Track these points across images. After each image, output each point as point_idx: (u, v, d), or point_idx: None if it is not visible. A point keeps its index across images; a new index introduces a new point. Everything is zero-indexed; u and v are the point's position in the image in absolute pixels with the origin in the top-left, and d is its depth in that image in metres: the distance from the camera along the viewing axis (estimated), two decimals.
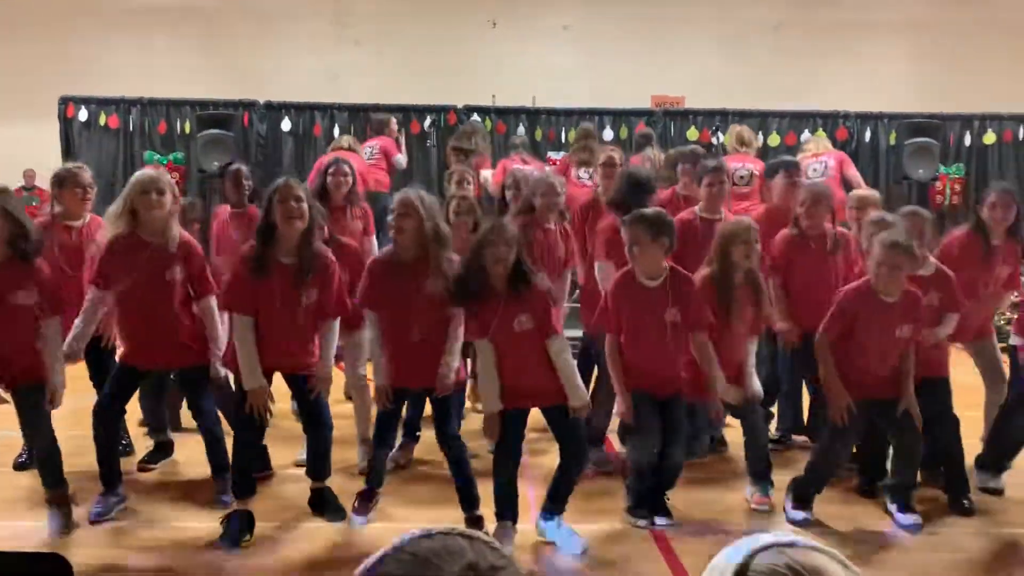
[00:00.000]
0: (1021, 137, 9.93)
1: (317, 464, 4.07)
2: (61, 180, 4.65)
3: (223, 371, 4.11)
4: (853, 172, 7.31)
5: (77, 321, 3.97)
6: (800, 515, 4.09)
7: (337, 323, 4.02)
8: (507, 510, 3.74)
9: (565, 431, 3.76)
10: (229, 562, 3.63)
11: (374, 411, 4.14)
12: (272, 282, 3.78)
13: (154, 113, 9.83)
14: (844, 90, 12.06)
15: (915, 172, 9.20)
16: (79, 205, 4.59)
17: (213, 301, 4.07)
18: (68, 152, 9.70)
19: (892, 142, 9.73)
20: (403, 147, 8.39)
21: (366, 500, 4.02)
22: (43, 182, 12.91)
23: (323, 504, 4.04)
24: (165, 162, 9.68)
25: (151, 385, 4.47)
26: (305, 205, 3.76)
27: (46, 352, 3.82)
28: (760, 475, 4.26)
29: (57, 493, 3.93)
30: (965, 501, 4.21)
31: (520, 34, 13.23)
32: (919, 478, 4.27)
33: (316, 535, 3.90)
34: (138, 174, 4.05)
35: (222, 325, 4.11)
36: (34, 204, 13.13)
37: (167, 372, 4.45)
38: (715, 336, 4.09)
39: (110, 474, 4.01)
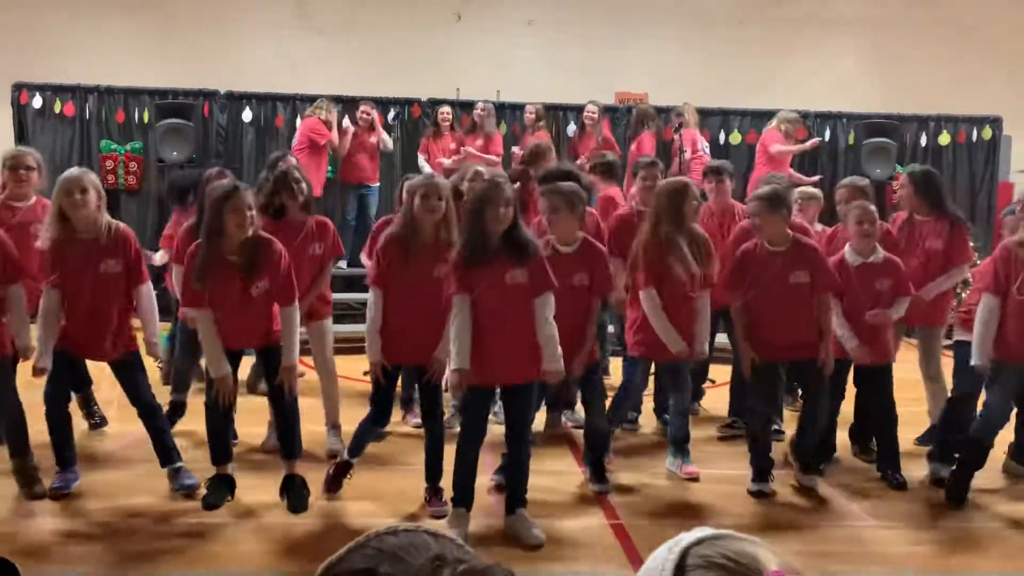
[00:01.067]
0: (974, 138, 10.15)
1: (285, 442, 4.19)
2: (3, 162, 4.94)
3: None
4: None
5: (38, 331, 4.10)
6: (758, 485, 4.42)
7: (296, 309, 4.11)
8: (464, 496, 3.82)
9: (520, 412, 3.86)
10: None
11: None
12: (222, 279, 3.97)
13: (112, 101, 9.63)
14: (805, 88, 12.22)
15: (873, 172, 9.36)
16: (19, 186, 4.81)
17: (147, 288, 4.30)
18: (21, 139, 9.46)
19: (851, 142, 9.89)
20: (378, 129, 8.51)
21: (340, 474, 4.18)
22: None
23: (290, 491, 4.12)
24: (123, 151, 9.49)
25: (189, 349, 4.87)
26: (255, 212, 3.97)
27: (10, 319, 4.10)
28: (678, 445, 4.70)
29: (21, 463, 4.15)
30: (897, 476, 4.61)
31: (484, 28, 13.19)
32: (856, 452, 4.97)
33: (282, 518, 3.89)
34: (60, 177, 4.18)
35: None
36: None
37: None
38: (664, 292, 4.36)
39: (66, 454, 4.24)
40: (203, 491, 4.12)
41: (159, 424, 4.36)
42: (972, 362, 4.33)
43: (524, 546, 3.73)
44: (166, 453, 4.29)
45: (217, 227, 3.90)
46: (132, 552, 3.61)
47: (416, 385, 4.58)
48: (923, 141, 10.12)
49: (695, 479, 4.60)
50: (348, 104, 9.26)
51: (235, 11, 12.89)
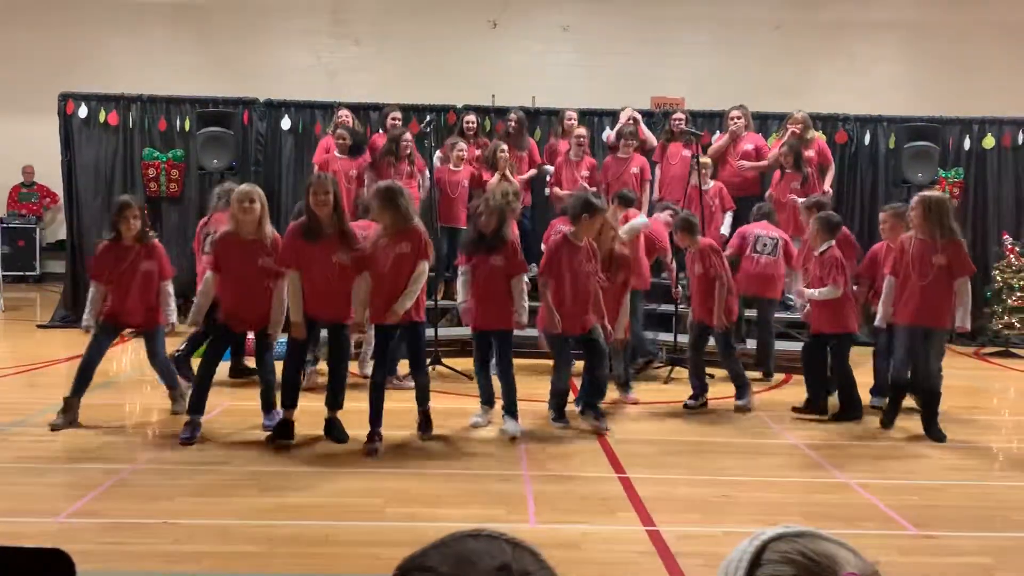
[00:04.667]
0: (1020, 141, 9.94)
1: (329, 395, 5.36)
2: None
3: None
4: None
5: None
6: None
7: (170, 284, 5.73)
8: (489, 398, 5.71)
9: (503, 350, 5.51)
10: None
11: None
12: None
13: (154, 110, 9.80)
14: (843, 92, 12.09)
15: (914, 176, 9.22)
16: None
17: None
18: (68, 149, 9.68)
19: (891, 146, 9.74)
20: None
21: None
22: (42, 178, 12.94)
23: (332, 430, 5.29)
24: (165, 159, 9.67)
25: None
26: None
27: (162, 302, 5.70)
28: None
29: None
30: (856, 417, 6.04)
31: (520, 34, 13.24)
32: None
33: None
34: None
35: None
36: (33, 201, 13.17)
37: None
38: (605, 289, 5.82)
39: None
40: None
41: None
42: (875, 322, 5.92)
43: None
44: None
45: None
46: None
47: (404, 346, 5.52)
48: (967, 144, 9.92)
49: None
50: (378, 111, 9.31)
51: (273, 21, 13.09)
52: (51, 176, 11.44)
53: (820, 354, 6.23)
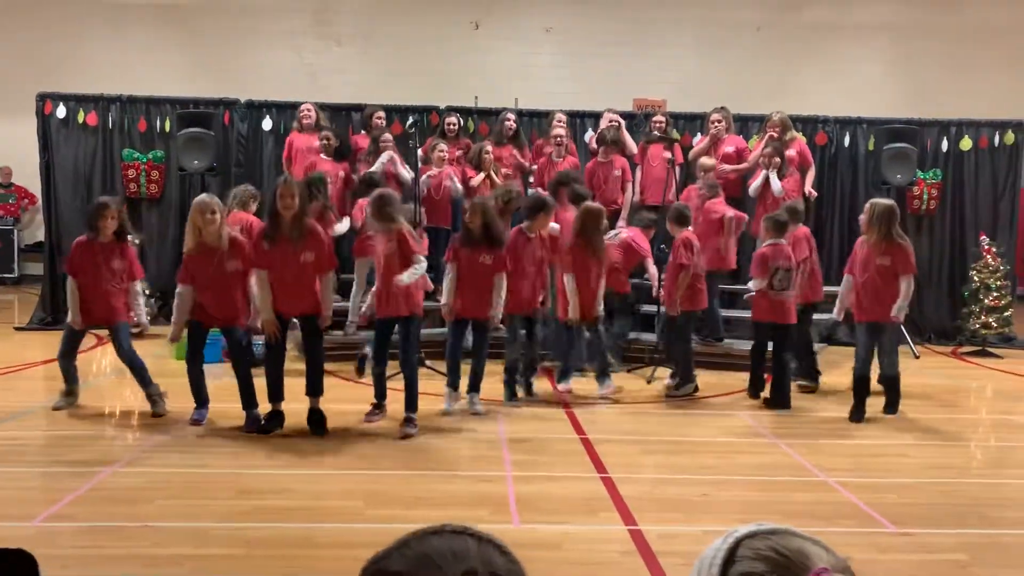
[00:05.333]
0: (996, 143, 10.05)
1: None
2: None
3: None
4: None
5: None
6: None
7: (138, 284, 5.98)
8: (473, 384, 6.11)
9: (480, 336, 6.10)
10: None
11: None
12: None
13: (133, 111, 9.72)
14: (825, 94, 12.16)
15: (893, 177, 9.29)
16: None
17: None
18: (46, 150, 9.59)
19: (871, 147, 9.81)
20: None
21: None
22: (20, 179, 12.81)
23: (314, 419, 5.50)
24: (145, 160, 9.60)
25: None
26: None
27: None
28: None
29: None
30: (786, 404, 6.39)
31: (503, 36, 13.24)
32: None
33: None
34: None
35: None
36: (11, 202, 13.03)
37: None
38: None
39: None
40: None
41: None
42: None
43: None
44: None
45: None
46: None
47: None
48: (944, 146, 10.02)
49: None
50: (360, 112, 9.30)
51: (255, 21, 13.02)
52: (29, 177, 11.33)
53: (761, 345, 6.62)
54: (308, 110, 8.81)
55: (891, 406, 6.21)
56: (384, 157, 8.24)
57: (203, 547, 3.67)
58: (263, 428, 5.45)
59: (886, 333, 6.15)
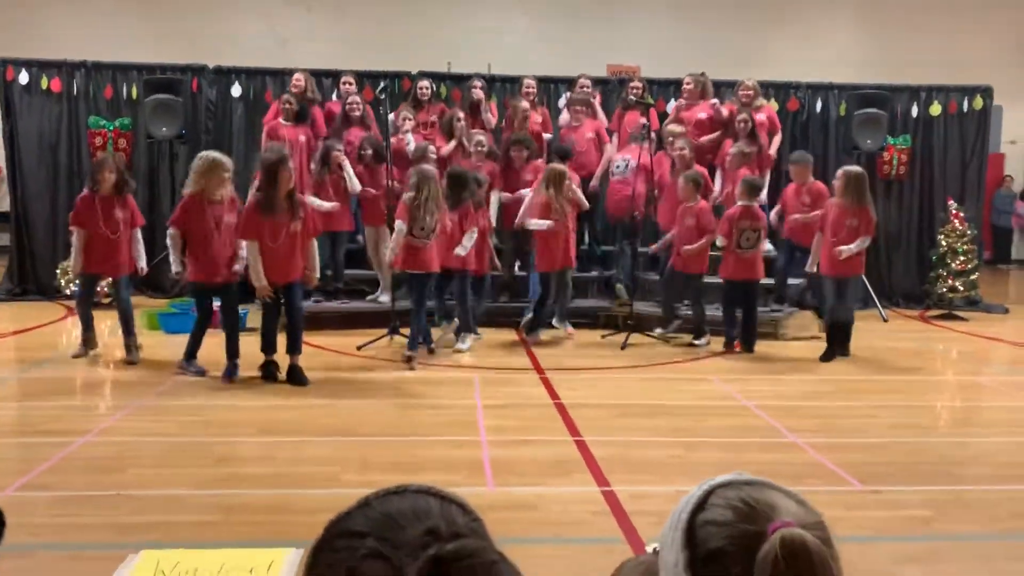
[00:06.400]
0: (965, 109, 10.14)
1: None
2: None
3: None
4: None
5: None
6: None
7: (139, 231, 6.55)
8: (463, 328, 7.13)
9: (463, 286, 7.04)
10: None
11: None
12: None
13: (100, 77, 9.53)
14: (798, 61, 12.19)
15: (864, 143, 9.36)
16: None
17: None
18: (8, 116, 9.39)
19: (842, 113, 9.87)
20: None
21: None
22: None
23: (293, 375, 5.93)
24: (112, 128, 9.43)
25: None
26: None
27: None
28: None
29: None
30: (751, 350, 7.15)
31: (476, 1, 13.09)
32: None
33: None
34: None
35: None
36: None
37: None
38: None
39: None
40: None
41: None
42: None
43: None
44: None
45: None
46: None
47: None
48: (914, 112, 10.09)
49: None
50: (334, 78, 9.18)
51: None
52: None
53: (731, 301, 7.33)
54: (298, 79, 8.61)
55: (841, 346, 6.96)
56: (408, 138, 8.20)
57: (179, 514, 3.68)
58: (264, 375, 5.90)
59: (849, 285, 6.92)
